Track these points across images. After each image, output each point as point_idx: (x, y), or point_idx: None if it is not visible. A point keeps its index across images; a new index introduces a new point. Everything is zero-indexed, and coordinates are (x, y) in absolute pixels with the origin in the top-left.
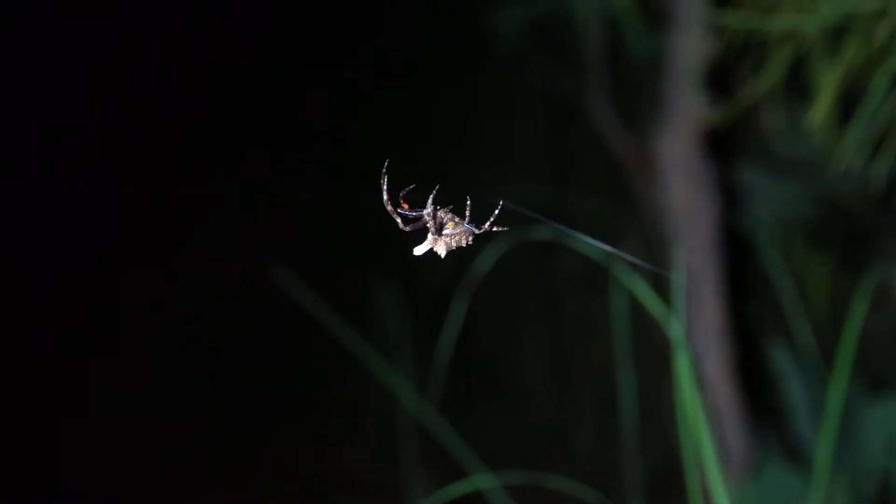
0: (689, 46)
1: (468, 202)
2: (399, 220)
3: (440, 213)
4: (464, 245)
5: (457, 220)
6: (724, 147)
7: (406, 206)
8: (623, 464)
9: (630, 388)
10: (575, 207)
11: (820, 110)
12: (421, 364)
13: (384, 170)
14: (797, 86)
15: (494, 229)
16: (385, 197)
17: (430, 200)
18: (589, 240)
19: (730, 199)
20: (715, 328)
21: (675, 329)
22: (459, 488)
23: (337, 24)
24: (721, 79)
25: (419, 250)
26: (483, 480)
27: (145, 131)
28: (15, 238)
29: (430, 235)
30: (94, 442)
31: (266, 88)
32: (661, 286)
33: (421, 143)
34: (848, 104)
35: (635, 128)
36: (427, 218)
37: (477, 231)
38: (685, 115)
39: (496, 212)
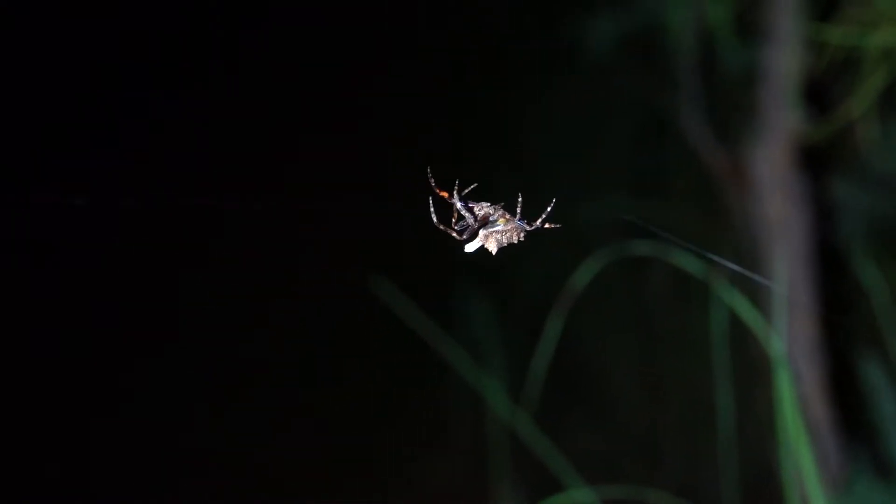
0: (786, 61)
1: (520, 199)
2: (455, 234)
3: (487, 209)
4: (515, 242)
5: (507, 216)
6: (817, 160)
7: (445, 194)
8: (718, 477)
9: (727, 401)
10: (667, 220)
11: None
12: (513, 374)
13: (430, 179)
14: (893, 100)
15: (546, 226)
16: (433, 213)
17: (456, 192)
18: (697, 252)
19: (823, 213)
20: (810, 342)
21: (776, 344)
22: (559, 502)
23: (422, 30)
24: (817, 93)
25: (470, 247)
26: (581, 494)
27: (224, 139)
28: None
29: (480, 232)
30: (207, 447)
31: (352, 96)
32: (756, 300)
33: (512, 152)
34: None
35: (728, 141)
36: (462, 211)
37: (528, 228)
38: (780, 129)
39: (548, 209)
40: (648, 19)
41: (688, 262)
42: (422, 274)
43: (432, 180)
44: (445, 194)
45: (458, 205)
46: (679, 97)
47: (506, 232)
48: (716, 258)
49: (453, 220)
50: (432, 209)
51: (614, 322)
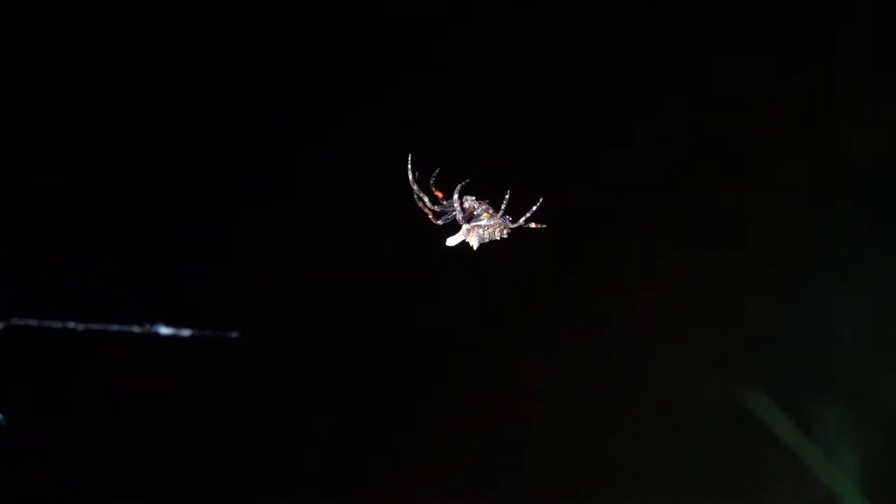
0: None
1: (507, 196)
2: (429, 214)
3: (472, 203)
4: (497, 238)
5: (491, 211)
6: None
7: (440, 195)
8: None
9: None
10: None
11: None
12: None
13: (409, 163)
14: None
15: (532, 225)
16: (414, 187)
17: (456, 190)
18: None
19: None
20: None
21: None
22: None
23: None
24: None
25: (452, 241)
26: None
27: None
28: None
29: (463, 227)
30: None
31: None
32: None
33: None
34: None
35: None
36: (455, 207)
37: (512, 225)
38: None
39: (534, 208)
40: None
41: None
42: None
43: (414, 183)
44: (439, 193)
45: (455, 199)
46: None
47: (489, 227)
48: None
49: (430, 207)
50: (412, 178)
51: None
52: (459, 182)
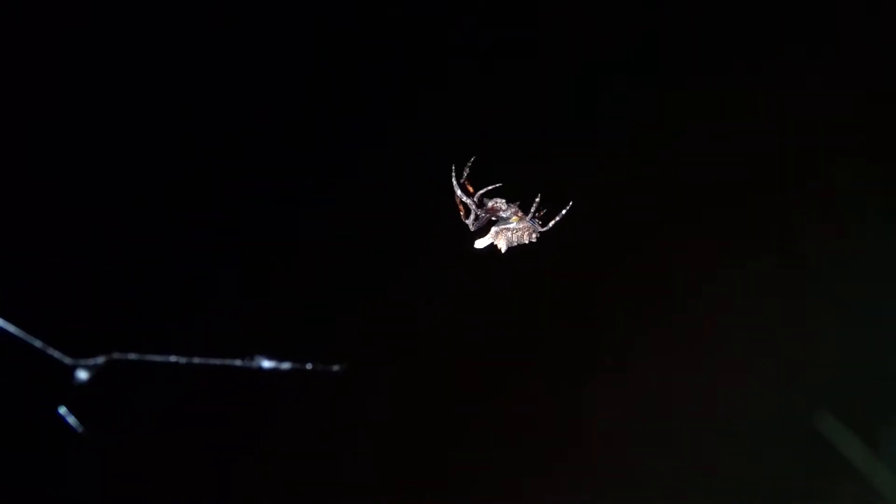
0: None
1: (537, 199)
2: (462, 211)
3: (500, 205)
4: (526, 242)
5: (520, 214)
6: None
7: (471, 190)
8: None
9: None
10: None
11: None
12: None
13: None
14: None
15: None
16: (458, 192)
17: (479, 192)
18: None
19: None
20: None
21: None
22: None
23: None
24: None
25: (480, 244)
26: None
27: None
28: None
29: (492, 229)
30: None
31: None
32: None
33: None
34: None
35: None
36: (478, 207)
37: (542, 228)
38: None
39: (563, 212)
40: None
41: None
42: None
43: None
44: (468, 194)
45: (471, 200)
46: None
47: (517, 231)
48: None
49: (462, 213)
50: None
51: None
52: (491, 185)
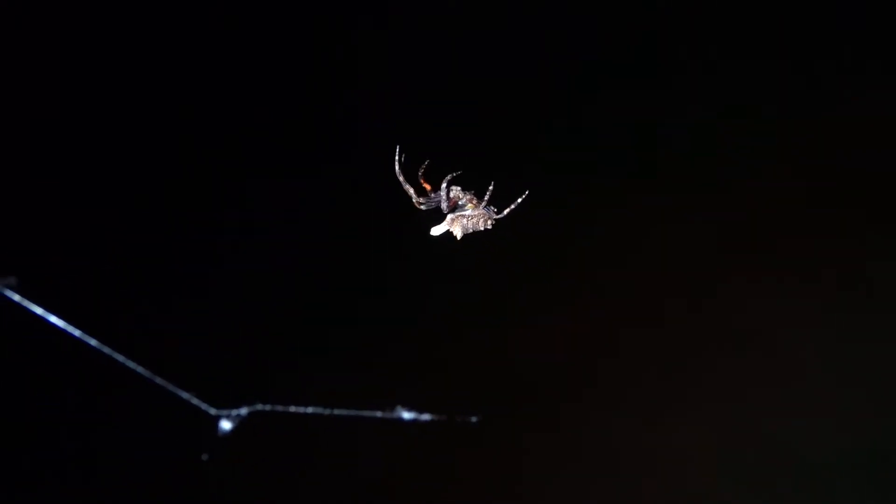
0: None
1: (491, 186)
2: (412, 193)
3: (457, 193)
4: (481, 229)
5: (475, 201)
6: None
7: (428, 188)
8: None
9: None
10: None
11: None
12: None
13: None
14: None
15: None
16: (397, 168)
17: (445, 180)
18: None
19: None
20: None
21: None
22: None
23: None
24: None
25: (436, 231)
26: None
27: None
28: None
29: (448, 216)
30: None
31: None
32: None
33: None
34: None
35: None
36: (441, 196)
37: (497, 215)
38: None
39: (519, 200)
40: None
41: None
42: None
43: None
44: (427, 185)
45: (443, 189)
46: None
47: (473, 217)
48: None
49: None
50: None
51: None
52: (449, 173)
